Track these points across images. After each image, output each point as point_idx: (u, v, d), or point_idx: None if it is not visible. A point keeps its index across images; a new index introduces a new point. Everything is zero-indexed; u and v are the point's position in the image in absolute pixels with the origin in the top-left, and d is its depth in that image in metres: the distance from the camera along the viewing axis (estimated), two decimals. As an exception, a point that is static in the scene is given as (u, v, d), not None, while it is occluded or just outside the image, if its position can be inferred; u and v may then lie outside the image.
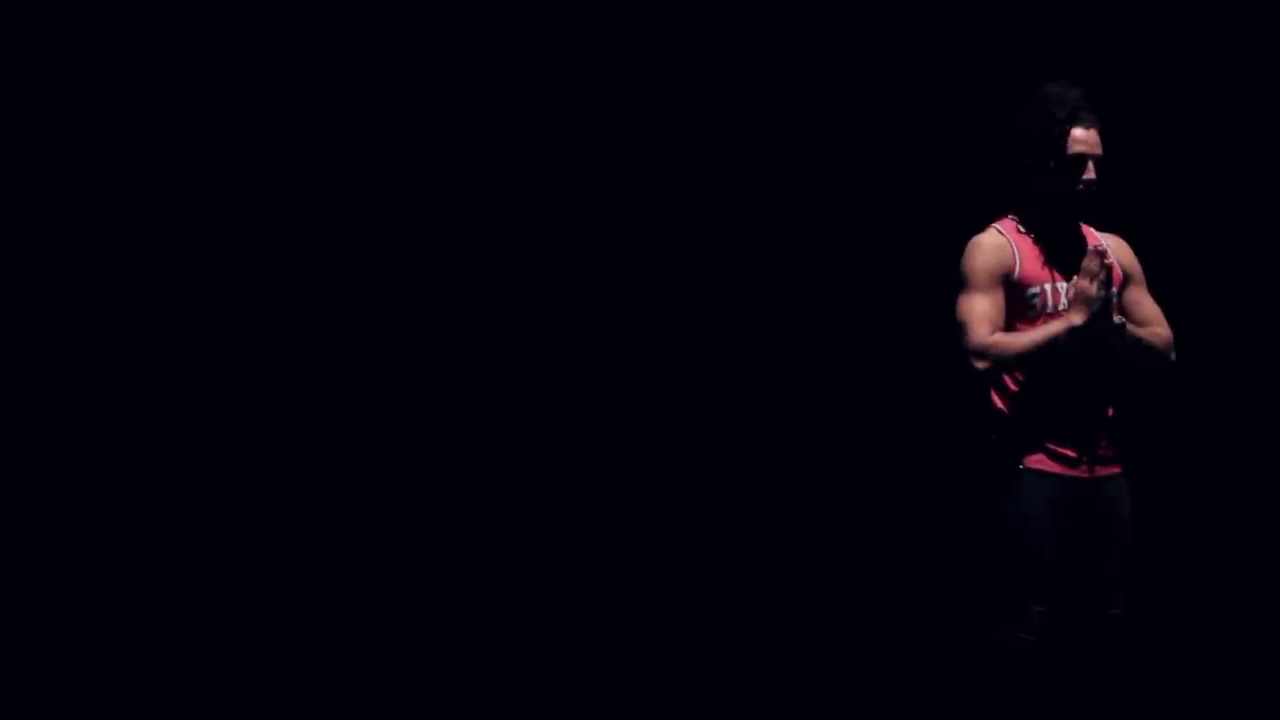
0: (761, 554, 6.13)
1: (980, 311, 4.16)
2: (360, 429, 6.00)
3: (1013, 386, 4.22)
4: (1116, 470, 4.26)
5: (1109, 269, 4.12)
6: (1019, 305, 4.20)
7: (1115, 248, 4.32)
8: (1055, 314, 4.17)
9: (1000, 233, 4.26)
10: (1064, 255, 4.24)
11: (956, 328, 4.18)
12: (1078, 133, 4.17)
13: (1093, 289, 4.08)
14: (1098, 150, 4.20)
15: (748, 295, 6.27)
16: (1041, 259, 4.23)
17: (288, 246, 5.94)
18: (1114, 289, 4.17)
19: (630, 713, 5.37)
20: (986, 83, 6.00)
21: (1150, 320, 4.31)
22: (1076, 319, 4.10)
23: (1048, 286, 4.22)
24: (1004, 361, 4.15)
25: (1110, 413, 4.26)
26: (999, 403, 4.25)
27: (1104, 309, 4.11)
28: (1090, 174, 4.19)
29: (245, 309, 5.89)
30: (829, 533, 6.09)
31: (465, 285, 6.10)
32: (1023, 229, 4.26)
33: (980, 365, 4.15)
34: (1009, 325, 4.19)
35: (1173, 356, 4.32)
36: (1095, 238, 4.32)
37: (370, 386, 6.02)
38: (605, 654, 5.67)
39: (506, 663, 5.54)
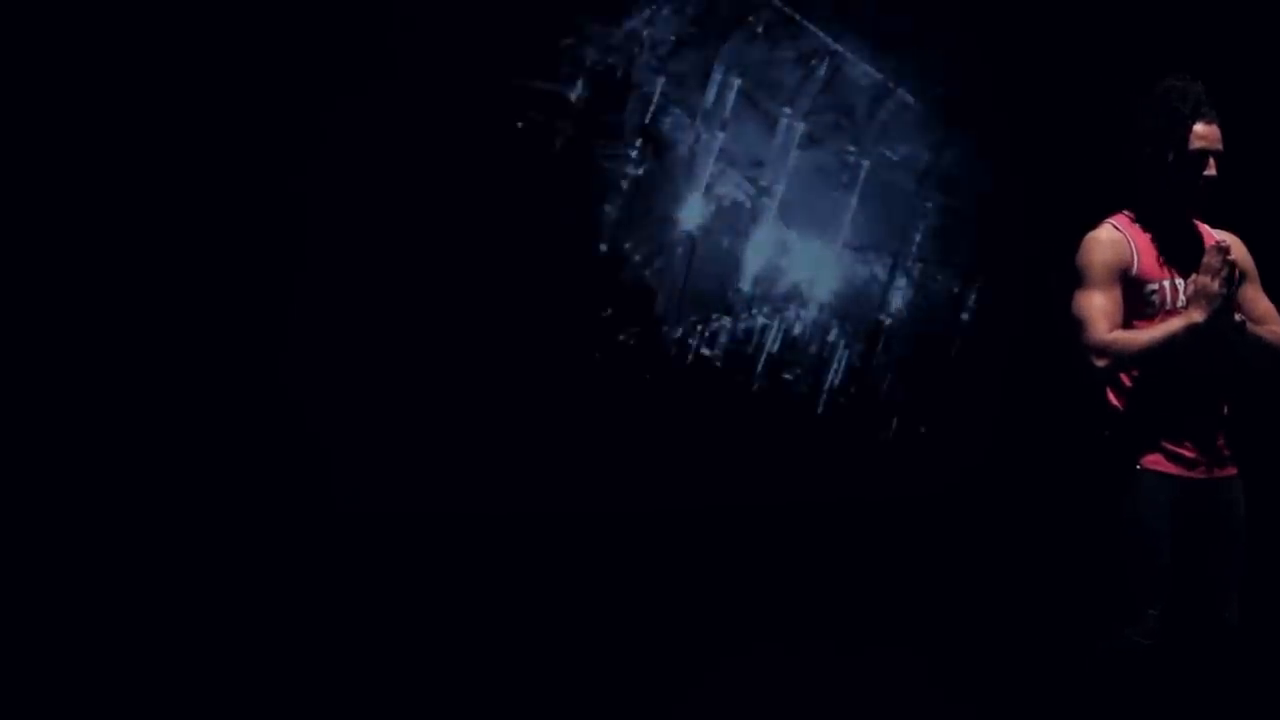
0: (799, 556, 6.15)
1: (1099, 307, 4.09)
2: (363, 430, 5.92)
3: (1128, 384, 4.16)
4: (1233, 472, 4.20)
5: (1232, 265, 4.04)
6: (1137, 302, 4.13)
7: (1230, 244, 4.24)
8: (1173, 311, 4.11)
9: (1116, 228, 4.19)
10: (1181, 251, 4.17)
11: (1074, 324, 4.10)
12: (1200, 128, 4.11)
13: (1215, 285, 4.02)
14: (1219, 146, 4.14)
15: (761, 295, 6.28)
16: (1159, 255, 4.16)
17: (282, 246, 5.84)
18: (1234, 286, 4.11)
19: (631, 713, 5.34)
20: (1010, 83, 5.96)
21: (1266, 318, 4.23)
22: (1198, 316, 4.02)
23: (1166, 283, 4.15)
24: (1124, 359, 4.07)
25: (1225, 411, 4.20)
26: (1115, 400, 4.18)
27: (1225, 306, 4.03)
28: (1211, 170, 4.12)
29: (238, 309, 5.80)
30: (899, 533, 6.10)
31: (464, 285, 6.02)
32: (1139, 224, 4.20)
33: (1100, 363, 4.07)
34: (1125, 323, 4.12)
35: (1290, 355, 4.25)
36: (1211, 235, 4.25)
37: (369, 386, 5.95)
38: (606, 654, 5.63)
39: (507, 662, 5.51)
